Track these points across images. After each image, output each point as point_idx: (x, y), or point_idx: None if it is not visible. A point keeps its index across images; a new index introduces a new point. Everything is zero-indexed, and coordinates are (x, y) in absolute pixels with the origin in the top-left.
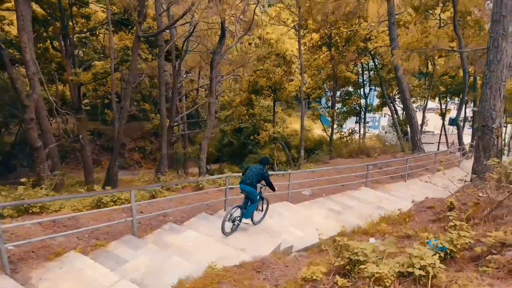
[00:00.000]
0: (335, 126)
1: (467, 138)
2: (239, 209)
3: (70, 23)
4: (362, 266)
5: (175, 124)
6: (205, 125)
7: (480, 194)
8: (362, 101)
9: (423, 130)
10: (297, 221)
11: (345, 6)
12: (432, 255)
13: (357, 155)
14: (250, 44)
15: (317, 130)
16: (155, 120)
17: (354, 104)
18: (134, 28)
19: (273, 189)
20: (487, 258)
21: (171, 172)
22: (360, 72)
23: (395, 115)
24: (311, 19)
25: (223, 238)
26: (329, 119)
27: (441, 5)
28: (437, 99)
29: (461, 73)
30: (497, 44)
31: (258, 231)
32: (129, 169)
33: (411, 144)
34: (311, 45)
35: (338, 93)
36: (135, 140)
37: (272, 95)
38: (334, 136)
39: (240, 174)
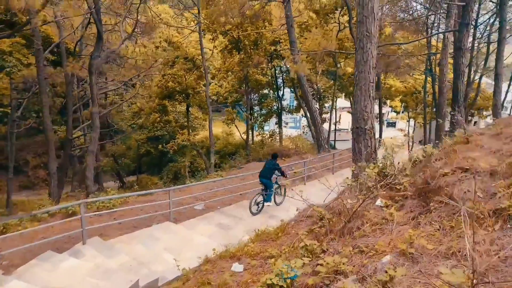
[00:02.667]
0: (256, 128)
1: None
2: (261, 196)
3: None
4: None
5: (73, 136)
6: (124, 134)
7: (349, 201)
8: (284, 103)
9: (337, 128)
10: (175, 245)
11: (246, 8)
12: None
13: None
14: (157, 47)
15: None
16: (60, 132)
17: (271, 106)
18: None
19: (286, 176)
20: None
21: (81, 191)
22: (274, 74)
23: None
24: (215, 22)
25: None
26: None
27: (339, 9)
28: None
29: None
30: (363, 45)
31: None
32: (34, 188)
33: (316, 144)
34: (221, 48)
35: (255, 96)
36: (40, 155)
37: (185, 100)
38: (256, 138)
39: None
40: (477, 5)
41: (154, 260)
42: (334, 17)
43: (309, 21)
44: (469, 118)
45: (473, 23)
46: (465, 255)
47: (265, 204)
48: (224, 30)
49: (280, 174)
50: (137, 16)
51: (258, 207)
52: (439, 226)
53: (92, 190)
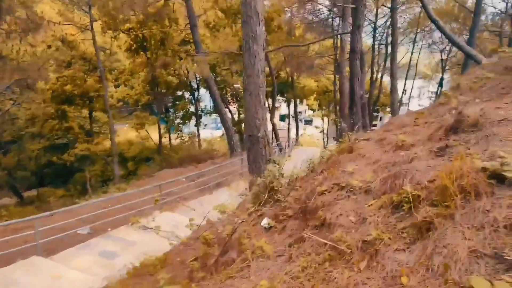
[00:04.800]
0: (173, 131)
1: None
2: None
3: None
4: None
5: None
6: (18, 144)
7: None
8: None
9: None
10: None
11: (146, 6)
12: None
13: (189, 162)
14: (49, 47)
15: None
16: None
17: (187, 109)
18: None
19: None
20: None
21: None
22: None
23: (228, 117)
24: (114, 19)
25: None
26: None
27: None
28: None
29: (283, 74)
30: (249, 47)
31: None
32: None
33: (229, 148)
34: (126, 48)
35: (171, 98)
36: None
37: (87, 104)
38: (175, 142)
39: None
40: (375, 9)
41: None
42: None
43: (216, 21)
44: (375, 114)
45: (372, 26)
46: None
47: None
48: (125, 28)
49: None
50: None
51: None
52: (307, 263)
53: None
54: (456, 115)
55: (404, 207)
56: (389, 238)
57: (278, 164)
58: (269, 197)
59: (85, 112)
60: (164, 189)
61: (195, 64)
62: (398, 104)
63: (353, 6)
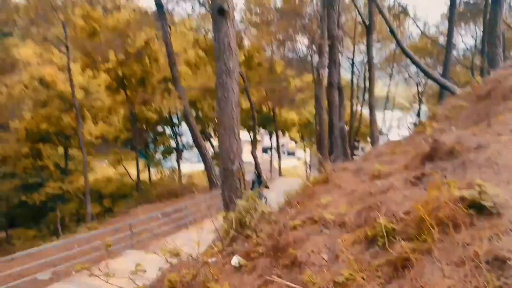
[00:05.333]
0: (152, 166)
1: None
2: None
3: None
4: None
5: None
6: None
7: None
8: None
9: None
10: None
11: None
12: None
13: (168, 197)
14: (26, 87)
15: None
16: None
17: (168, 144)
18: None
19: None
20: None
21: None
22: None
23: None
24: (93, 58)
25: None
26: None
27: None
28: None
29: (264, 108)
30: (223, 82)
31: None
32: None
33: (209, 181)
34: (106, 85)
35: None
36: None
37: (64, 142)
38: (156, 177)
39: None
40: (352, 46)
41: None
42: None
43: (197, 60)
44: (356, 144)
45: (351, 61)
46: None
47: None
48: (105, 68)
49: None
50: None
51: None
52: None
53: None
54: (432, 142)
55: (379, 242)
56: (363, 278)
57: (251, 198)
58: (240, 233)
59: (61, 150)
60: (138, 226)
61: (174, 100)
62: (378, 134)
63: (329, 43)
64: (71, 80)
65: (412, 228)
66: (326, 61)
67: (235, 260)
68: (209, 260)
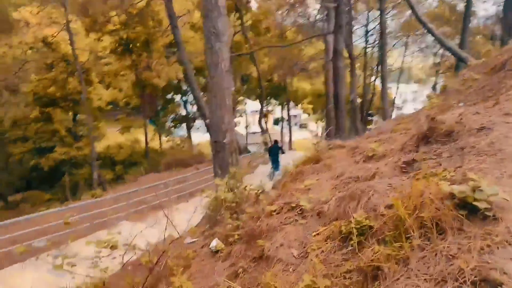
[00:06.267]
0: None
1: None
2: (272, 168)
3: None
4: None
5: None
6: None
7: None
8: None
9: (248, 131)
10: None
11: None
12: None
13: (176, 167)
14: (31, 48)
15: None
16: None
17: (177, 112)
18: None
19: (283, 152)
20: None
21: None
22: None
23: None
24: (94, 20)
25: None
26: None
27: (233, 11)
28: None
29: (275, 77)
30: (211, 45)
31: None
32: None
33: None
34: (111, 49)
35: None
36: None
37: (72, 107)
38: (167, 145)
39: None
40: (366, 12)
41: None
42: (229, 20)
43: (199, 22)
44: (370, 118)
45: (363, 29)
46: None
47: (276, 173)
48: (109, 30)
49: (282, 152)
50: None
51: (271, 176)
52: None
53: None
54: (429, 121)
55: (352, 241)
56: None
57: (236, 176)
58: (222, 214)
59: (70, 114)
60: (139, 195)
61: (175, 66)
62: (392, 108)
63: (335, 5)
64: (71, 42)
65: (390, 229)
66: (332, 26)
67: (213, 244)
68: (186, 242)
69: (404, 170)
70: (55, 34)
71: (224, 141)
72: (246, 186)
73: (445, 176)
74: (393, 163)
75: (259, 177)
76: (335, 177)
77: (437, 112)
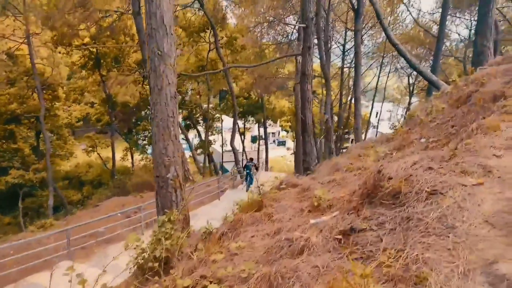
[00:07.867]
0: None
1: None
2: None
3: None
4: None
5: None
6: None
7: None
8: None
9: (223, 150)
10: None
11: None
12: None
13: (142, 190)
14: None
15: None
16: None
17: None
18: None
19: (257, 169)
20: None
21: None
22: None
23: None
24: (61, 34)
25: None
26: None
27: (209, 28)
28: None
29: (253, 95)
30: (155, 67)
31: None
32: None
33: (183, 172)
34: (81, 64)
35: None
36: None
37: (34, 124)
38: (140, 163)
39: None
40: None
41: None
42: (205, 37)
43: (176, 39)
44: (346, 136)
45: (341, 48)
46: None
47: (250, 186)
48: (78, 44)
49: (256, 169)
50: None
51: (247, 188)
52: None
53: None
54: (375, 174)
55: None
56: None
57: (168, 221)
58: (152, 268)
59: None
60: (91, 228)
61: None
62: (367, 127)
63: (304, 25)
64: (31, 55)
65: None
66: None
67: None
68: None
69: (339, 244)
70: (15, 47)
71: (167, 175)
72: (180, 235)
73: (384, 262)
74: (329, 229)
75: (224, 204)
76: (272, 234)
77: (390, 156)
